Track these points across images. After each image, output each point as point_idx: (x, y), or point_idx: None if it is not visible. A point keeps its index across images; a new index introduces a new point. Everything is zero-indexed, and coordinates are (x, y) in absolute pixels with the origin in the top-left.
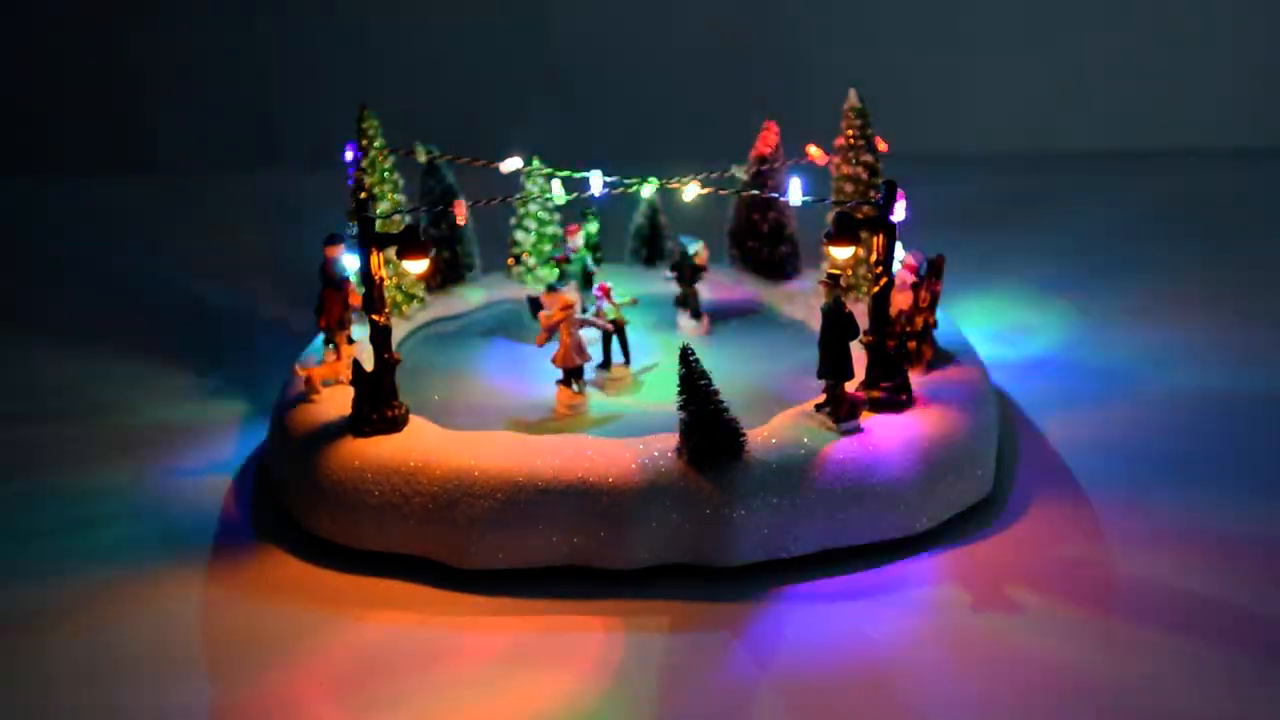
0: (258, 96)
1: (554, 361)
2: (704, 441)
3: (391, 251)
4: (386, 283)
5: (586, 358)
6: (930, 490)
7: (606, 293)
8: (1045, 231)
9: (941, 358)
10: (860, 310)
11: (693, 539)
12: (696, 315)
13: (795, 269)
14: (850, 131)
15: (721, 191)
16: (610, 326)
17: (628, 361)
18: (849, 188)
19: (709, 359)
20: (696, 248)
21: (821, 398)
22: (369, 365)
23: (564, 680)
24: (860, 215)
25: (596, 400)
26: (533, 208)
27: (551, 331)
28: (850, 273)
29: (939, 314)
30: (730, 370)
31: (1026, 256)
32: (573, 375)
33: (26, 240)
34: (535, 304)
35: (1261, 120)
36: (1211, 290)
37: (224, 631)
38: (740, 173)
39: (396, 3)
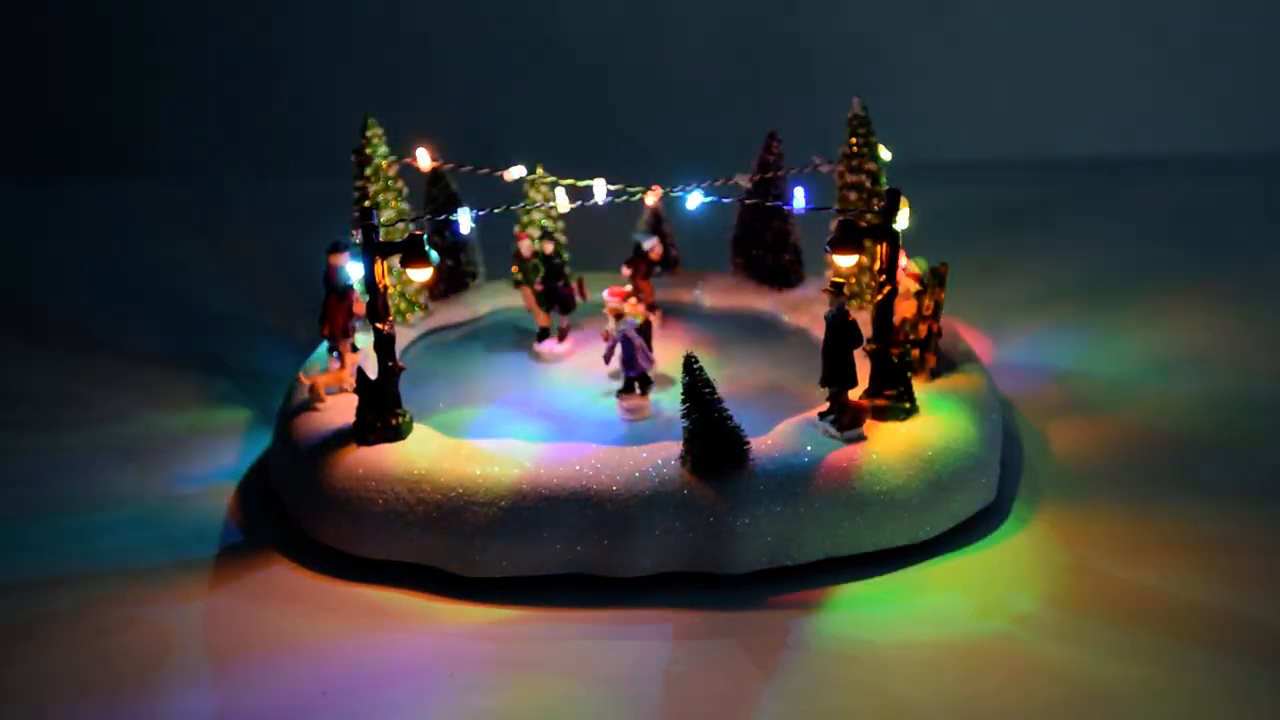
0: (262, 102)
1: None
2: (708, 449)
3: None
4: (390, 290)
5: (651, 363)
6: (934, 498)
7: (624, 297)
8: (1048, 238)
9: (945, 366)
10: (864, 318)
11: (696, 547)
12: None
13: (799, 277)
14: (853, 140)
15: (725, 200)
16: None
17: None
18: (852, 196)
19: (712, 367)
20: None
21: (825, 405)
22: (373, 373)
23: (568, 689)
24: (864, 223)
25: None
26: (536, 216)
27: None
28: (854, 281)
29: (941, 322)
30: (734, 378)
31: (1029, 263)
32: (638, 380)
33: (28, 244)
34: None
35: (1264, 126)
36: (1215, 296)
37: (227, 639)
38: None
39: (401, 9)
